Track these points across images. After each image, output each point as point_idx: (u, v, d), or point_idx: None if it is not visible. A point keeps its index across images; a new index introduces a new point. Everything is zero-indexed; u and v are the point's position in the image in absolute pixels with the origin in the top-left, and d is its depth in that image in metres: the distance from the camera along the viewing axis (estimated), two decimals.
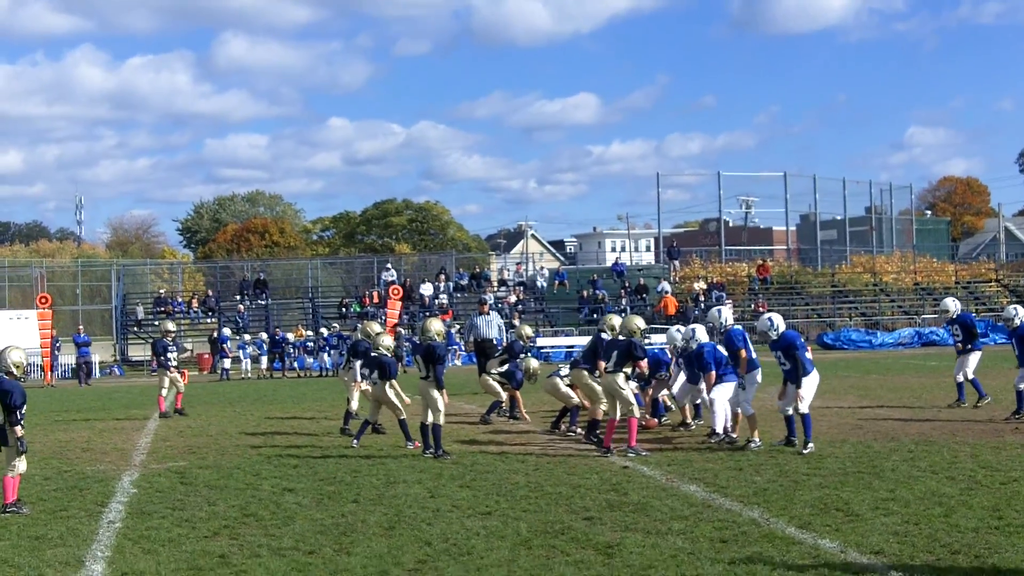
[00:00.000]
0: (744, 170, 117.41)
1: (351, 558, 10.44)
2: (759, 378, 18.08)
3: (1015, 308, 21.47)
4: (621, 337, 17.65)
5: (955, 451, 16.40)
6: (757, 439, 17.43)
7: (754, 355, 17.99)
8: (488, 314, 32.40)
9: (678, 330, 19.84)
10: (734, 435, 17.90)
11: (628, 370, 17.37)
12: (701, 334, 18.89)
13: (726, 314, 18.87)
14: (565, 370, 20.01)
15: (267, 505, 13.41)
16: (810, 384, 17.06)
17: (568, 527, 11.62)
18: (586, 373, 18.79)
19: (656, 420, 20.50)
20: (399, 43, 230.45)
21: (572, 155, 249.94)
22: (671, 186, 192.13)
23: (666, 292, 60.09)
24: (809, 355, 17.35)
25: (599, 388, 18.07)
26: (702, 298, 59.95)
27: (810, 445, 16.59)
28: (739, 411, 17.93)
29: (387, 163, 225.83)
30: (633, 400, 17.42)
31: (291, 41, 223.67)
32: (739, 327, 18.54)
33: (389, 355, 18.96)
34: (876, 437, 17.95)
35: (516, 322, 23.30)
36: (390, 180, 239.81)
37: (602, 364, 17.50)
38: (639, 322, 17.78)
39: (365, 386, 20.40)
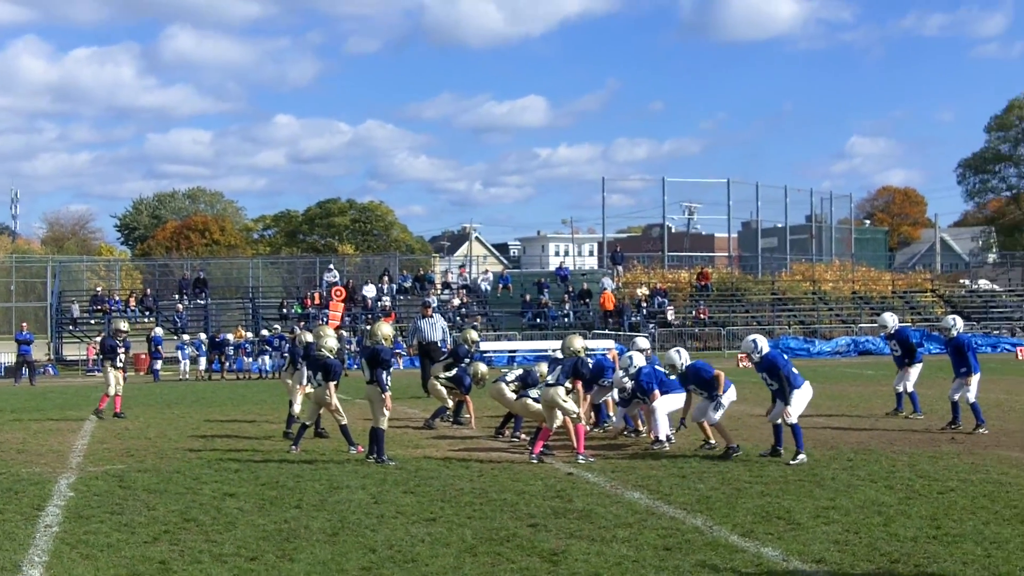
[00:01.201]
0: (689, 176, 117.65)
1: (294, 564, 10.37)
2: (734, 395, 18.17)
3: (953, 319, 21.66)
4: (563, 355, 17.79)
5: (893, 460, 16.54)
6: (712, 441, 17.80)
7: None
8: (432, 317, 32.41)
9: (678, 351, 19.46)
10: (712, 441, 18.02)
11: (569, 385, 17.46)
12: (638, 359, 19.09)
13: (684, 356, 18.71)
14: (512, 375, 19.94)
15: (208, 510, 13.28)
16: (800, 397, 17.02)
17: (513, 534, 11.61)
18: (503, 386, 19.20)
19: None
20: (349, 41, 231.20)
21: (519, 158, 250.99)
22: (616, 191, 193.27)
23: (605, 288, 60.59)
24: (795, 369, 17.36)
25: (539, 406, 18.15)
26: (644, 304, 60.16)
27: (800, 456, 16.49)
28: (705, 421, 17.94)
29: (333, 162, 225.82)
30: (577, 409, 17.45)
31: (239, 36, 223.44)
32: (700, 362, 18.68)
33: (333, 357, 18.88)
34: (816, 445, 18.04)
35: (475, 325, 23.22)
36: (335, 179, 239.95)
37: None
38: (581, 342, 17.91)
39: (309, 389, 20.33)
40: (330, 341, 19.18)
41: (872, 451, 17.58)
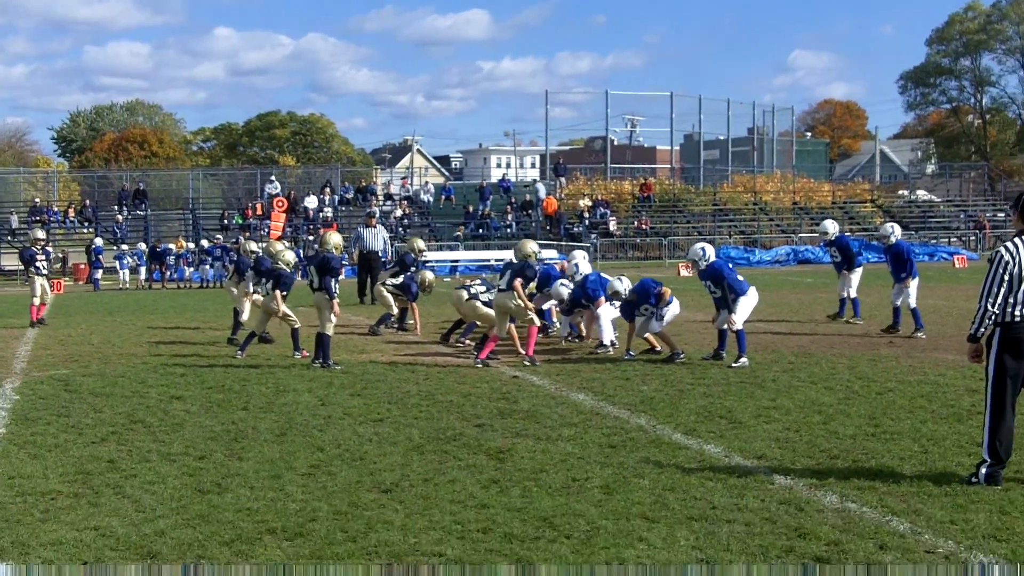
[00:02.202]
0: (631, 90, 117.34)
1: (243, 463, 10.46)
2: (678, 308, 18.30)
3: (891, 226, 21.87)
4: (516, 260, 17.88)
5: (833, 363, 16.80)
6: (657, 348, 18.02)
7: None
8: (375, 227, 32.41)
9: (620, 279, 19.37)
10: (657, 348, 18.18)
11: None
12: (584, 266, 19.21)
13: (627, 283, 18.77)
14: (480, 287, 19.76)
15: (155, 412, 13.34)
16: (746, 303, 17.24)
17: (460, 433, 11.74)
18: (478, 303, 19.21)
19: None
20: None
21: (462, 71, 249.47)
22: (559, 104, 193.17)
23: (540, 194, 61.17)
24: (740, 276, 17.50)
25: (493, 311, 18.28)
26: (587, 215, 60.28)
27: (742, 359, 16.72)
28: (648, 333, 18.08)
29: (273, 75, 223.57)
30: (530, 312, 17.56)
31: None
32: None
33: (288, 270, 18.85)
34: (757, 349, 18.25)
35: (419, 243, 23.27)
36: (276, 92, 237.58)
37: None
38: (533, 246, 18.01)
39: (257, 297, 20.31)
40: (288, 255, 19.13)
41: (812, 354, 17.84)
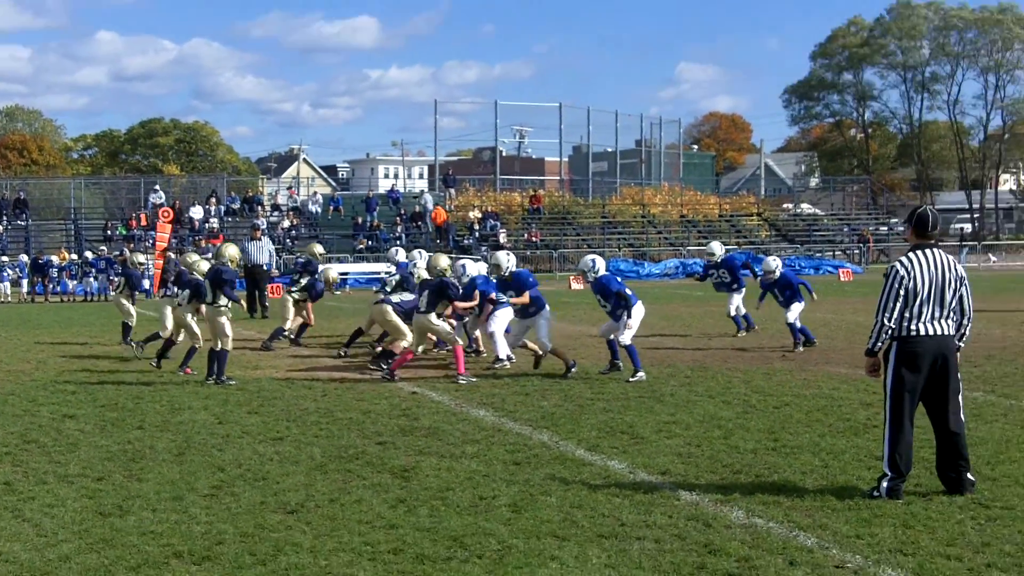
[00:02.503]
0: (520, 100, 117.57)
1: (143, 484, 10.29)
2: (548, 315, 18.23)
3: (775, 260, 21.94)
4: (431, 278, 17.82)
5: (729, 377, 16.96)
6: (572, 363, 17.56)
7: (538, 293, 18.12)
8: (260, 240, 32.17)
9: (507, 254, 19.22)
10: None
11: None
12: (471, 267, 19.09)
13: (512, 260, 18.70)
14: (390, 289, 19.55)
15: (48, 432, 13.07)
16: (634, 317, 17.30)
17: (362, 452, 11.66)
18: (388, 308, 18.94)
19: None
20: None
21: (349, 79, 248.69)
22: (447, 114, 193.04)
23: (428, 205, 61.13)
24: (629, 290, 17.57)
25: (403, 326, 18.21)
26: (477, 226, 60.33)
27: (640, 374, 16.76)
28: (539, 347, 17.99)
29: (156, 80, 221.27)
30: (451, 332, 17.52)
31: None
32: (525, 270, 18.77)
33: (203, 279, 18.58)
34: (653, 363, 18.37)
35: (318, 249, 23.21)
36: (159, 98, 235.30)
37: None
38: (445, 261, 18.01)
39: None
40: (203, 265, 18.82)
41: (708, 368, 18.00)
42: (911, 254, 9.46)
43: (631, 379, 16.67)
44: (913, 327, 9.32)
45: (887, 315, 9.33)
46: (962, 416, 9.53)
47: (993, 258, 65.57)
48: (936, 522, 8.54)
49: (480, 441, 12.15)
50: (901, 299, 9.30)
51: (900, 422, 9.36)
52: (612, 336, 17.42)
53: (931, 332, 9.33)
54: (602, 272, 17.61)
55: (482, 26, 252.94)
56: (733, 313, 23.37)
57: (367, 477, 10.48)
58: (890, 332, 9.38)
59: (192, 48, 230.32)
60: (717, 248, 24.17)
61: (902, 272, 9.34)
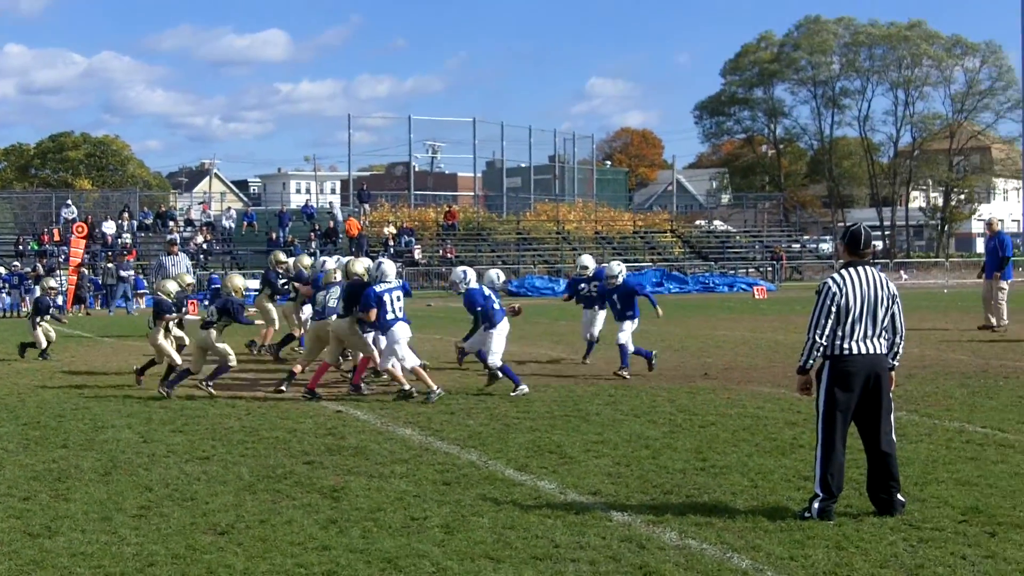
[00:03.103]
0: (432, 115, 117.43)
1: (70, 504, 10.16)
2: (398, 335, 17.09)
3: (619, 265, 21.15)
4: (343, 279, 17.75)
5: (653, 395, 16.99)
6: (436, 388, 16.73)
7: (389, 316, 16.97)
8: (177, 255, 31.95)
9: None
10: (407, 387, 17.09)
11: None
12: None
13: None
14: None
15: None
16: (496, 336, 17.35)
17: (290, 471, 11.58)
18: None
19: None
20: None
21: (260, 93, 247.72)
22: (359, 128, 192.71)
23: (339, 217, 61.17)
24: (497, 305, 17.62)
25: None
26: (392, 242, 60.20)
27: (521, 387, 16.94)
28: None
29: (65, 94, 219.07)
30: (364, 341, 17.49)
31: None
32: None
33: (169, 299, 18.38)
34: (577, 381, 18.41)
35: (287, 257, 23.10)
36: (68, 112, 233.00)
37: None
38: (361, 266, 17.85)
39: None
40: (169, 285, 18.59)
41: (632, 387, 18.02)
42: (844, 271, 9.54)
43: (512, 394, 16.83)
44: (846, 345, 9.39)
45: (818, 332, 9.40)
46: (894, 436, 9.62)
47: (904, 276, 66.40)
48: (869, 544, 8.61)
49: (408, 460, 12.11)
50: (833, 316, 9.36)
51: (832, 442, 9.41)
52: (479, 348, 17.64)
53: (864, 351, 9.41)
54: (472, 285, 17.63)
55: (394, 40, 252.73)
56: (588, 336, 22.39)
57: (296, 497, 10.42)
58: (821, 349, 9.45)
59: (101, 61, 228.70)
60: (589, 261, 22.53)
61: (834, 289, 9.40)
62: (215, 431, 14.13)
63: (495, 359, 17.21)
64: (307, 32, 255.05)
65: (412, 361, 17.04)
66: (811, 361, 9.52)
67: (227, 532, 9.17)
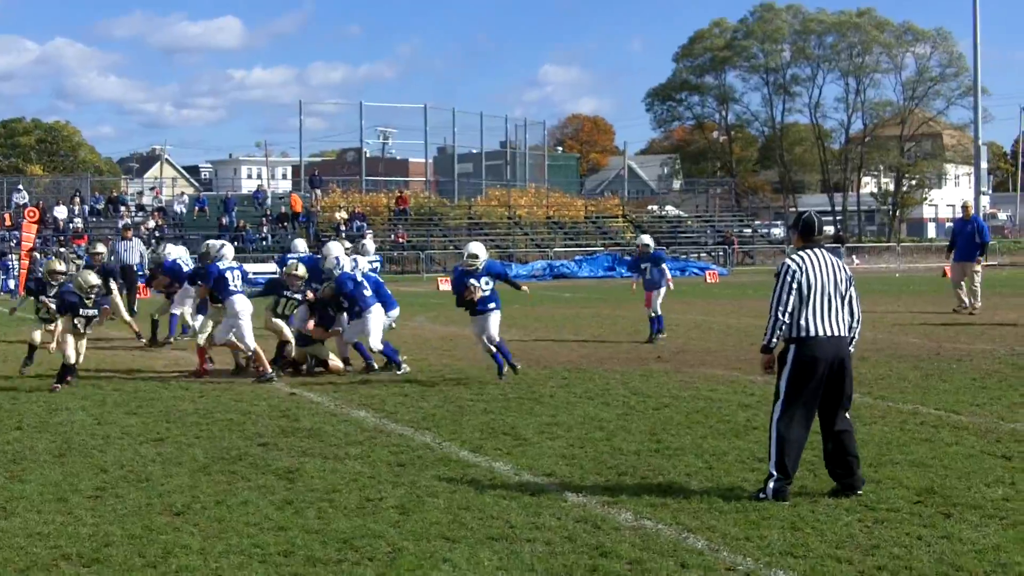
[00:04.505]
0: (385, 101, 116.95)
1: (25, 485, 10.13)
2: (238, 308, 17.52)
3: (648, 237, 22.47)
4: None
5: (607, 378, 17.05)
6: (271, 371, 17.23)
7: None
8: (131, 240, 31.76)
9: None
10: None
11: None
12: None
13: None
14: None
15: None
16: (372, 320, 17.42)
17: (245, 453, 11.57)
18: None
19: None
20: None
21: (212, 79, 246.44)
22: (311, 115, 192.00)
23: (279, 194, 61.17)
24: (368, 292, 17.59)
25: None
26: (344, 228, 60.04)
27: (405, 367, 17.49)
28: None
29: (17, 80, 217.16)
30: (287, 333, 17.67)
31: None
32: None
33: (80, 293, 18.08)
34: (530, 364, 18.43)
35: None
36: (20, 98, 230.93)
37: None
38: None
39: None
40: (91, 278, 17.97)
41: (585, 370, 18.08)
42: (801, 252, 9.58)
43: (399, 372, 17.29)
44: (812, 328, 9.40)
45: (781, 308, 9.40)
46: (848, 415, 9.70)
47: (856, 260, 66.77)
48: (824, 524, 8.67)
49: (363, 442, 12.12)
50: (795, 293, 9.37)
51: (790, 423, 9.44)
52: (355, 339, 17.85)
53: (827, 332, 9.43)
54: (346, 270, 17.73)
55: (347, 26, 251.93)
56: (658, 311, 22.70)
57: (252, 479, 10.41)
58: (784, 328, 9.47)
59: (55, 48, 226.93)
60: (477, 249, 22.48)
61: (794, 267, 9.42)
62: (169, 413, 14.08)
63: (375, 341, 17.31)
64: (260, 19, 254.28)
65: (251, 341, 17.35)
66: (775, 339, 9.53)
67: (183, 513, 9.16)
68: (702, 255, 67.71)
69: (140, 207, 63.01)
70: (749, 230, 77.01)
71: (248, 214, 61.87)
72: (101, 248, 24.10)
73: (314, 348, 17.99)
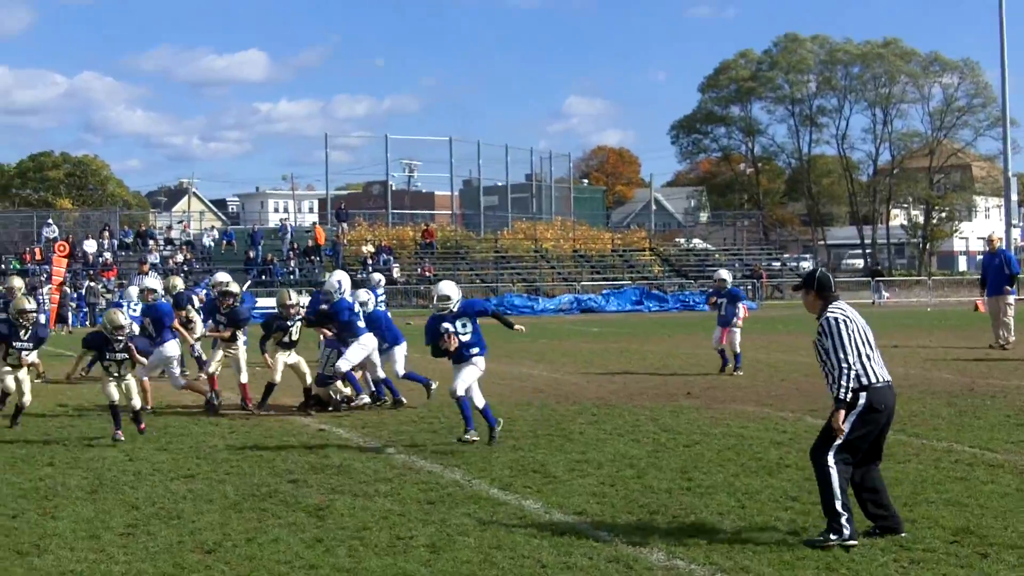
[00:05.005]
0: (409, 134, 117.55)
1: (58, 522, 10.15)
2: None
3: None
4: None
5: (636, 414, 16.97)
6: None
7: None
8: (148, 275, 31.87)
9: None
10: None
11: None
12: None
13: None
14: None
15: None
16: (357, 348, 17.38)
17: (275, 490, 11.56)
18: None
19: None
20: None
21: (239, 112, 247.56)
22: (336, 148, 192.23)
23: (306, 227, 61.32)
24: (362, 324, 17.63)
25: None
26: (371, 261, 60.18)
27: (363, 398, 17.84)
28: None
29: (46, 114, 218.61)
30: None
31: None
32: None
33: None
34: (559, 400, 18.40)
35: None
36: (48, 132, 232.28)
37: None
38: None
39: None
40: (119, 318, 17.37)
41: (614, 406, 18.00)
42: (836, 304, 9.48)
43: (354, 403, 17.68)
44: (874, 376, 9.27)
45: (852, 359, 9.13)
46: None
47: (886, 294, 66.40)
48: (859, 565, 8.57)
49: (392, 479, 12.09)
50: (855, 342, 9.28)
51: (845, 466, 9.27)
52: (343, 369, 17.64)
53: (886, 378, 9.33)
54: (347, 296, 17.70)
55: (372, 59, 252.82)
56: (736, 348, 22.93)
57: (282, 516, 10.40)
58: (856, 376, 9.27)
59: (82, 81, 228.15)
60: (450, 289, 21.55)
61: (842, 318, 9.30)
62: (199, 449, 14.11)
63: (345, 367, 17.31)
64: (286, 52, 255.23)
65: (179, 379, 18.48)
66: (849, 393, 9.31)
67: (214, 551, 9.15)
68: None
69: (168, 241, 63.22)
70: (778, 263, 76.76)
71: (274, 247, 62.01)
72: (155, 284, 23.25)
73: (330, 388, 18.03)
